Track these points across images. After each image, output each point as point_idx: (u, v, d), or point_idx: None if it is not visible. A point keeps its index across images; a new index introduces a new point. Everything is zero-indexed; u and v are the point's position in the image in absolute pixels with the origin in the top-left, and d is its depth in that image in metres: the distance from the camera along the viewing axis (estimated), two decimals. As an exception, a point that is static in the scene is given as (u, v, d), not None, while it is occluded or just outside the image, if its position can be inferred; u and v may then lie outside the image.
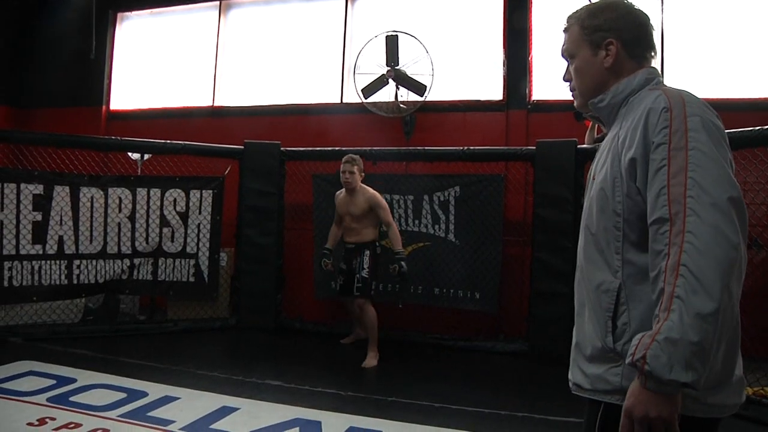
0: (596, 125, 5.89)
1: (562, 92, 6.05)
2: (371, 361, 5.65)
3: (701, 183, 1.33)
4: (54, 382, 4.71)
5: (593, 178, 1.65)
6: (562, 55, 1.80)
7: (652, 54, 1.66)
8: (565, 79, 1.81)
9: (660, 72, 1.69)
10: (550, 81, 6.98)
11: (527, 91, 7.10)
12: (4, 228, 6.23)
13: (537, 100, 7.09)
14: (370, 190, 5.87)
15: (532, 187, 6.19)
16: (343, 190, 5.93)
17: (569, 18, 1.75)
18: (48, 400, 4.29)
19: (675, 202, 1.34)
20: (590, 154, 5.81)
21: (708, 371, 1.28)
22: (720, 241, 1.29)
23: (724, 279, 1.27)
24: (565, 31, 1.77)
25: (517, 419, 4.25)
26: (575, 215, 5.82)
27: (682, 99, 1.47)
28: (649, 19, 1.65)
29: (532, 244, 6.08)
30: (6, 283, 6.22)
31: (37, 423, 3.86)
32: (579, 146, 5.94)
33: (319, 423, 4.05)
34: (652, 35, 1.66)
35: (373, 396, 4.67)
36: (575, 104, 1.81)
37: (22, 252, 6.31)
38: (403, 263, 5.65)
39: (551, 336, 5.80)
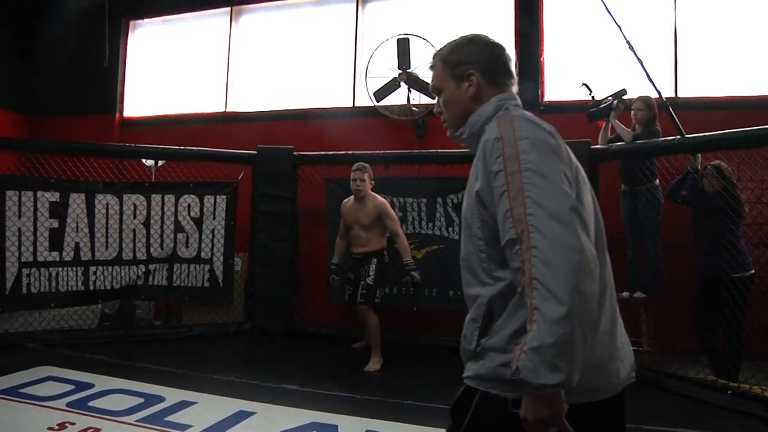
0: (610, 125, 5.86)
1: (575, 93, 6.06)
2: (374, 365, 5.63)
3: (538, 200, 1.44)
4: (72, 387, 4.74)
5: (464, 205, 1.79)
6: (431, 92, 1.93)
7: (511, 80, 1.82)
8: (436, 113, 1.92)
9: (515, 96, 1.81)
10: (562, 82, 6.97)
11: (539, 92, 7.08)
12: (22, 235, 6.30)
13: (549, 101, 7.07)
14: (380, 198, 5.87)
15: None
16: (351, 198, 5.94)
17: (433, 56, 1.90)
18: (67, 405, 4.33)
19: (519, 222, 1.46)
20: (604, 155, 5.81)
21: (578, 367, 1.38)
22: (561, 250, 1.39)
23: (570, 282, 1.37)
24: (431, 68, 1.90)
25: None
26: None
27: (512, 125, 1.59)
28: (504, 50, 1.83)
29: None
30: (24, 290, 6.29)
31: (57, 427, 3.90)
32: (593, 147, 5.90)
33: (335, 426, 4.05)
34: (508, 64, 1.81)
35: (389, 399, 4.66)
36: (448, 134, 1.90)
37: (40, 259, 6.38)
38: (414, 274, 5.64)
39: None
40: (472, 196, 1.68)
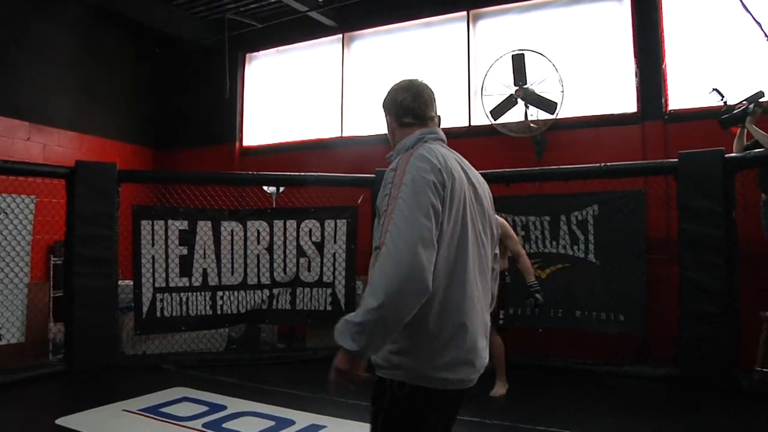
0: (745, 131, 5.51)
1: (702, 99, 5.76)
2: (500, 389, 5.44)
3: (397, 224, 1.83)
4: (207, 408, 4.91)
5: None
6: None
7: (423, 117, 2.18)
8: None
9: (433, 129, 2.17)
10: (687, 88, 6.64)
11: (663, 101, 6.76)
12: (155, 262, 6.61)
13: (674, 110, 6.74)
14: (500, 218, 5.72)
15: (675, 202, 5.84)
16: None
17: None
18: (203, 425, 4.48)
19: (384, 235, 1.85)
20: (741, 163, 5.46)
21: (372, 346, 1.81)
22: (393, 264, 1.78)
23: (389, 288, 1.76)
24: None
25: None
26: (726, 229, 5.46)
27: (407, 162, 1.95)
28: (410, 95, 2.19)
29: (680, 261, 5.71)
30: (158, 314, 6.60)
31: (195, 447, 4.03)
32: (727, 155, 5.55)
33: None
34: (412, 107, 2.18)
35: (519, 425, 4.51)
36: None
37: (171, 284, 6.67)
38: (538, 295, 5.38)
39: (704, 359, 5.42)
40: (377, 212, 2.02)
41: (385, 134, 6.88)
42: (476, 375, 2.08)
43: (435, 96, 2.26)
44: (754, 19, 5.24)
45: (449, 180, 1.95)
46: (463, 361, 1.99)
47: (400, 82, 2.26)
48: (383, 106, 2.27)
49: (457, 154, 2.19)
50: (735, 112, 5.50)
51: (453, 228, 1.95)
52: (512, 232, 5.69)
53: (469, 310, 2.00)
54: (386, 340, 1.85)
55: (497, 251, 2.34)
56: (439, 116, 2.26)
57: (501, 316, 5.66)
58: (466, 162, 2.21)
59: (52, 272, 7.35)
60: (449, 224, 1.93)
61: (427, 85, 2.25)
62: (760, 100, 5.38)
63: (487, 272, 2.17)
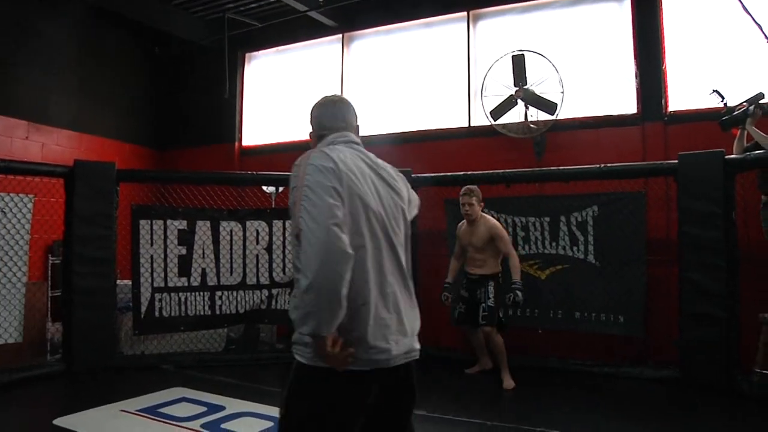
0: (745, 133, 5.51)
1: (702, 101, 5.77)
2: (509, 382, 5.60)
3: (308, 209, 1.99)
4: (205, 408, 4.91)
5: None
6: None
7: (334, 126, 2.40)
8: None
9: (343, 134, 2.37)
10: (687, 89, 6.63)
11: (663, 102, 6.75)
12: (153, 262, 6.60)
13: (674, 111, 6.72)
14: (492, 220, 5.87)
15: (675, 203, 5.84)
16: (465, 221, 5.93)
17: None
18: (202, 426, 4.48)
19: (299, 222, 2.01)
20: (740, 165, 5.46)
21: (325, 321, 1.93)
22: (312, 244, 1.94)
23: (315, 263, 1.91)
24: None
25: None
26: (726, 231, 5.46)
27: (309, 155, 2.16)
28: (328, 110, 2.45)
29: (679, 263, 5.71)
30: (157, 314, 6.59)
31: (193, 447, 4.02)
32: (727, 157, 5.55)
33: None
34: (326, 120, 2.42)
35: (519, 426, 4.51)
36: None
37: (170, 284, 6.66)
38: (518, 293, 5.57)
39: (705, 361, 5.43)
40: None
41: (384, 134, 6.98)
42: (389, 355, 2.14)
43: (353, 108, 2.49)
44: (754, 21, 5.24)
45: (345, 170, 2.11)
46: (369, 342, 2.10)
47: (322, 98, 2.52)
48: (309, 122, 2.50)
49: (367, 153, 2.36)
50: (735, 113, 5.50)
51: (350, 212, 2.09)
52: (504, 233, 5.81)
53: (372, 290, 2.13)
54: (335, 312, 1.95)
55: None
56: (357, 125, 2.48)
57: (501, 315, 5.80)
58: (377, 160, 2.37)
59: (50, 272, 7.33)
60: (346, 208, 2.07)
61: (345, 99, 2.51)
62: (760, 101, 5.37)
63: (400, 254, 2.27)
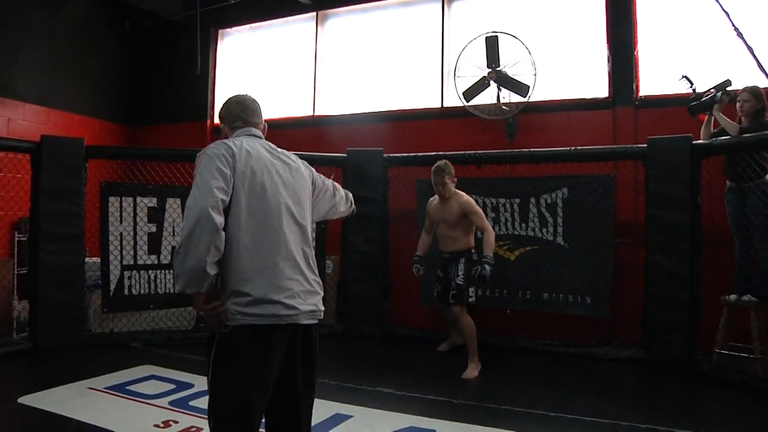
0: (712, 119, 5.59)
1: (673, 86, 5.84)
2: (472, 371, 5.46)
3: (194, 193, 2.30)
4: (174, 386, 4.89)
5: None
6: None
7: (241, 121, 2.70)
8: None
9: (248, 129, 2.68)
10: (659, 75, 6.69)
11: (634, 87, 6.81)
12: (123, 239, 6.54)
13: (645, 96, 6.79)
14: (465, 195, 5.74)
15: (643, 187, 5.92)
16: (436, 197, 5.86)
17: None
18: (170, 403, 4.47)
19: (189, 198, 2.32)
20: (707, 150, 5.55)
21: (192, 282, 2.27)
22: (189, 216, 2.25)
23: (186, 231, 2.24)
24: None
25: (639, 431, 4.04)
26: (692, 215, 5.56)
27: (208, 147, 2.48)
28: (237, 105, 2.75)
29: (646, 245, 5.81)
30: (126, 292, 6.54)
31: (162, 425, 4.04)
32: (694, 142, 5.63)
33: (433, 431, 3.99)
34: (241, 115, 2.71)
35: (486, 404, 4.56)
36: None
37: (140, 262, 6.61)
38: (486, 267, 5.38)
39: (668, 342, 5.57)
40: None
41: (357, 114, 6.96)
42: (290, 311, 2.41)
43: (259, 107, 2.81)
44: (723, 9, 5.29)
45: (240, 155, 2.43)
46: (269, 299, 2.37)
47: (233, 96, 2.82)
48: (220, 119, 2.79)
49: (268, 143, 2.68)
50: (703, 99, 5.57)
51: (251, 189, 2.42)
52: (477, 208, 5.70)
53: (275, 255, 2.42)
54: (199, 276, 2.25)
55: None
56: (265, 124, 2.81)
57: (470, 294, 5.65)
58: (278, 148, 2.69)
59: (16, 249, 7.23)
60: (241, 187, 2.39)
61: (253, 99, 2.81)
62: (727, 88, 5.45)
63: (303, 225, 2.58)
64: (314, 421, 4.00)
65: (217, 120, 9.22)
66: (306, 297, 2.49)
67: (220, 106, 2.81)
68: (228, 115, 2.74)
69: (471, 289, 5.65)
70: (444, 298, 5.78)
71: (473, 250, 5.77)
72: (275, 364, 2.42)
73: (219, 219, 2.27)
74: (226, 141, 2.52)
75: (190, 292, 2.30)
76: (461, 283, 5.58)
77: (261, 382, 2.39)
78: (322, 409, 4.31)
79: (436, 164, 5.73)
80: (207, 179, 2.32)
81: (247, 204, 2.40)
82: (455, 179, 5.75)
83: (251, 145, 2.52)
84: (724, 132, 5.47)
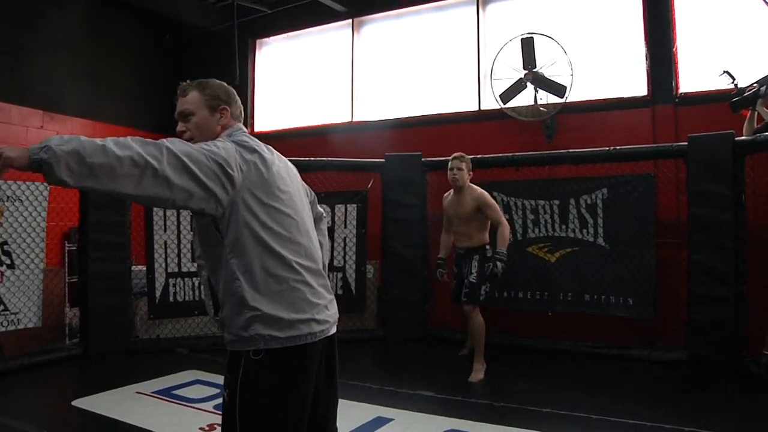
0: (755, 115, 5.49)
1: (713, 82, 5.76)
2: (477, 374, 5.37)
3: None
4: (218, 391, 4.95)
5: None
6: (178, 114, 2.42)
7: (239, 117, 2.37)
8: (178, 131, 2.38)
9: (242, 127, 2.35)
10: (698, 71, 6.59)
11: (673, 84, 6.72)
12: (167, 248, 6.69)
13: (685, 93, 6.69)
14: (478, 189, 5.65)
15: (685, 186, 5.83)
16: (451, 191, 5.81)
17: (187, 86, 2.46)
18: (214, 407, 4.54)
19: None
20: (750, 147, 5.45)
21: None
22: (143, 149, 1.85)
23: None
24: (183, 95, 2.43)
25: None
26: (736, 213, 5.45)
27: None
28: (232, 93, 2.41)
29: (689, 245, 5.72)
30: (171, 299, 6.69)
31: (207, 428, 4.15)
32: (737, 138, 5.53)
33: (473, 435, 4.01)
34: (238, 105, 2.40)
35: (527, 407, 4.54)
36: None
37: (184, 269, 6.75)
38: (498, 264, 5.32)
39: (713, 343, 5.46)
40: None
41: (394, 119, 6.95)
42: (322, 327, 2.14)
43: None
44: (763, 0, 5.20)
45: (272, 159, 2.17)
46: (303, 316, 2.08)
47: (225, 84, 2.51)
48: (223, 100, 2.41)
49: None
50: (746, 94, 5.47)
51: (277, 195, 2.09)
52: (492, 201, 5.62)
53: (301, 265, 2.11)
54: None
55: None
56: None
57: (482, 292, 5.55)
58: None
59: (67, 258, 7.44)
60: (270, 189, 2.08)
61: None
62: (772, 82, 5.35)
63: (312, 229, 2.31)
64: (356, 424, 4.15)
65: (258, 128, 9.40)
66: (331, 306, 2.23)
67: (214, 85, 2.43)
68: (234, 102, 2.39)
69: (483, 287, 5.56)
70: (458, 295, 5.71)
71: (488, 246, 5.66)
72: (313, 384, 2.15)
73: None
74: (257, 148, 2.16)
75: (61, 174, 1.70)
76: (474, 281, 5.48)
77: (306, 408, 2.12)
78: (363, 412, 4.40)
79: (458, 152, 5.72)
80: (215, 152, 1.98)
81: (271, 210, 2.07)
82: (471, 173, 5.71)
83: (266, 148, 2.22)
84: (768, 127, 5.37)
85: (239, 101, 2.42)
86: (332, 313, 2.23)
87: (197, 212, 2.04)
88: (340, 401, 4.62)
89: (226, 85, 2.43)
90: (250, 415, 2.01)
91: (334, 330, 2.24)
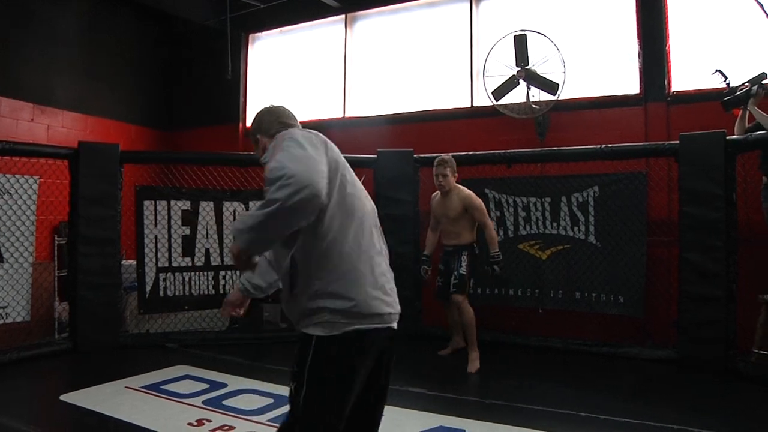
0: (747, 114, 5.49)
1: (705, 81, 5.76)
2: (475, 363, 5.53)
3: (293, 160, 1.97)
4: (207, 386, 4.98)
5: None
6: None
7: (284, 126, 2.43)
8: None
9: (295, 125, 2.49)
10: (690, 70, 6.60)
11: (666, 83, 6.73)
12: (158, 242, 6.67)
13: (677, 91, 6.70)
14: (465, 190, 5.81)
15: (676, 184, 5.84)
16: (438, 192, 5.92)
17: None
18: (203, 402, 4.55)
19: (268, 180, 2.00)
20: (742, 146, 5.46)
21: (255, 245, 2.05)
22: (283, 192, 1.90)
23: (275, 199, 1.90)
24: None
25: None
26: (727, 212, 5.46)
27: (282, 138, 2.13)
28: (275, 115, 2.53)
29: (680, 243, 5.73)
30: (161, 293, 6.67)
31: (196, 423, 4.12)
32: (728, 137, 5.53)
33: (463, 431, 4.01)
34: (280, 120, 2.50)
35: (516, 404, 4.55)
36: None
37: (174, 264, 6.73)
38: (496, 266, 5.56)
39: (703, 341, 5.46)
40: None
41: (387, 115, 6.91)
42: (391, 310, 2.28)
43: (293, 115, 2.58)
44: (756, 0, 5.21)
45: (325, 142, 2.19)
46: (373, 298, 2.18)
47: (263, 108, 2.60)
48: (254, 132, 2.54)
49: None
50: (738, 93, 5.47)
51: (342, 178, 2.18)
52: (479, 202, 5.77)
53: (369, 248, 2.22)
54: (307, 206, 1.94)
55: None
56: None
57: (471, 285, 5.78)
58: None
59: (56, 252, 7.40)
60: (336, 179, 2.15)
61: (285, 107, 2.60)
62: (763, 81, 5.35)
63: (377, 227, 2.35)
64: None
65: (250, 122, 9.34)
66: (395, 295, 2.32)
67: (252, 119, 2.60)
68: (262, 125, 2.51)
69: (472, 280, 5.77)
70: (445, 291, 5.83)
71: (475, 244, 5.85)
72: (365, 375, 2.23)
73: (320, 204, 2.00)
74: (297, 130, 2.26)
75: (244, 245, 2.03)
76: (464, 273, 5.65)
77: (354, 397, 2.21)
78: (352, 408, 4.38)
79: (440, 156, 5.85)
80: (312, 155, 2.03)
81: (342, 194, 2.17)
82: (457, 174, 5.86)
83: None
84: (759, 127, 5.37)
85: (266, 117, 2.55)
86: None
87: None
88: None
89: (266, 110, 2.60)
90: (308, 400, 2.14)
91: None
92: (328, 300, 2.11)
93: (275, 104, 2.64)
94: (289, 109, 2.61)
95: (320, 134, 2.21)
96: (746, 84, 5.43)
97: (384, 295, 2.22)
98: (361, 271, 2.16)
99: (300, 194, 1.88)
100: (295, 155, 1.98)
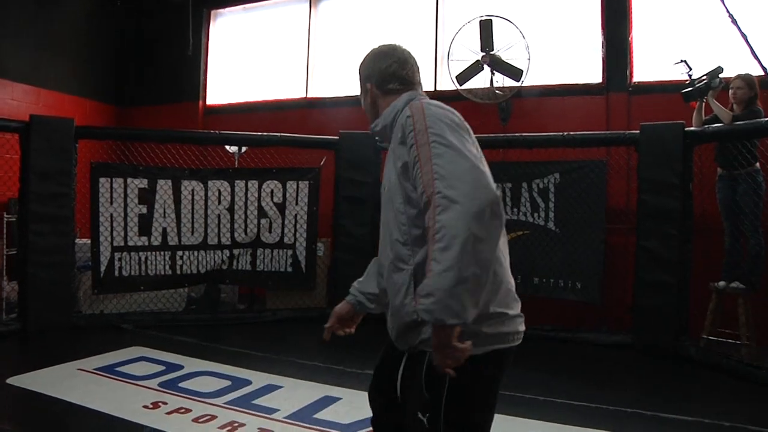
0: (704, 105, 5.59)
1: (666, 72, 5.82)
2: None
3: (469, 169, 1.65)
4: (163, 368, 4.90)
5: (385, 187, 2.00)
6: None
7: (410, 83, 2.05)
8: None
9: (421, 93, 2.05)
10: (652, 61, 6.69)
11: (628, 73, 6.81)
12: (113, 221, 6.51)
13: (638, 82, 6.80)
14: None
15: (636, 173, 5.92)
16: None
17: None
18: (159, 385, 4.49)
19: (428, 187, 1.67)
20: (699, 137, 5.56)
21: (472, 305, 1.61)
22: (468, 209, 1.59)
23: (465, 231, 1.57)
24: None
25: (625, 415, 4.07)
26: (683, 202, 5.57)
27: (421, 106, 1.83)
28: (399, 60, 2.05)
29: (637, 231, 5.82)
30: (117, 273, 6.51)
31: (151, 406, 4.05)
32: (687, 129, 5.62)
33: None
34: (400, 73, 2.04)
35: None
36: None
37: (130, 243, 6.58)
38: None
39: (657, 327, 5.59)
40: (396, 173, 1.87)
41: (351, 97, 6.83)
42: (523, 327, 2.03)
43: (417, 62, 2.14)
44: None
45: (470, 130, 1.86)
46: (515, 314, 1.98)
47: (380, 47, 2.12)
48: (362, 73, 2.12)
49: None
50: (698, 85, 5.55)
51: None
52: None
53: (507, 256, 1.98)
54: (479, 291, 1.64)
55: None
56: (420, 83, 2.12)
57: None
58: None
59: (5, 230, 7.17)
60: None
61: (410, 52, 2.11)
62: (720, 75, 5.44)
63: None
64: (303, 402, 4.12)
65: (211, 101, 9.19)
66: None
67: (364, 61, 2.15)
68: (374, 73, 2.07)
69: None
70: None
71: None
72: None
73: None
74: (445, 106, 1.88)
75: (451, 320, 1.59)
76: None
77: None
78: (310, 391, 4.38)
79: None
80: (460, 149, 1.70)
81: None
82: None
83: None
84: (716, 119, 5.47)
85: (382, 61, 2.09)
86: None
87: None
88: (287, 379, 4.62)
89: (382, 50, 2.14)
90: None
91: None
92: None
93: (391, 44, 2.14)
94: (412, 56, 2.12)
95: (457, 112, 1.86)
96: (704, 77, 5.51)
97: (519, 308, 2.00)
98: (510, 283, 1.94)
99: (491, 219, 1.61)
100: (462, 168, 1.66)
